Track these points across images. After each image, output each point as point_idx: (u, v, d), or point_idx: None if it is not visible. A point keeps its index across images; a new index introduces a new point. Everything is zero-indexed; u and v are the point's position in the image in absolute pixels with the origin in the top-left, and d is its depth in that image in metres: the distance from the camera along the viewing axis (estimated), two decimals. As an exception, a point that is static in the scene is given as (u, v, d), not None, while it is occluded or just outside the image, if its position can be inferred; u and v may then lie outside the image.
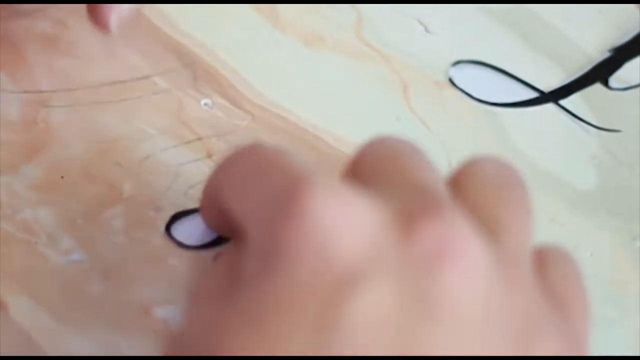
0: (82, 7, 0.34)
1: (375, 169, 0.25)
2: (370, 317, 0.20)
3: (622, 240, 0.35)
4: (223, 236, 0.32)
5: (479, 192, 0.24)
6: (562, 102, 0.38)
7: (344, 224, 0.21)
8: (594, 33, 0.40)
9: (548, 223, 0.35)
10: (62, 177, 0.33)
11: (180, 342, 0.23)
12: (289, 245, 0.21)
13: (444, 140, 0.37)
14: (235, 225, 0.25)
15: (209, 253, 0.32)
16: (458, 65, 0.39)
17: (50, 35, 0.36)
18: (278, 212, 0.22)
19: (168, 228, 0.33)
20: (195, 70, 0.37)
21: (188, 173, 0.34)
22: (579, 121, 0.38)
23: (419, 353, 0.20)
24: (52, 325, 0.30)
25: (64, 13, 0.36)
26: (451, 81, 0.38)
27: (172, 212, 0.33)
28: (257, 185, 0.24)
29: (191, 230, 0.33)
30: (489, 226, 0.23)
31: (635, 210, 0.36)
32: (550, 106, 0.38)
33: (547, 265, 0.24)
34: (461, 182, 0.25)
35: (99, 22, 0.32)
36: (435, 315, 0.20)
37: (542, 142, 0.37)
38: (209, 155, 0.35)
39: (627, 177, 0.37)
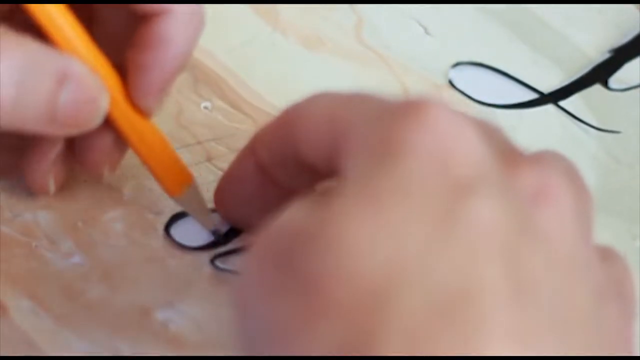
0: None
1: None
2: (486, 219, 0.21)
3: (622, 240, 0.35)
4: (221, 239, 0.33)
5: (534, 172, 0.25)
6: (562, 103, 0.38)
7: (462, 136, 0.22)
8: (594, 34, 0.40)
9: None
10: (62, 180, 0.33)
11: (294, 237, 0.22)
12: (410, 141, 0.22)
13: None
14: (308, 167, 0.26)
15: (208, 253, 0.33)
16: (457, 67, 0.39)
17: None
18: (391, 119, 0.23)
19: (167, 228, 0.33)
20: (195, 74, 0.37)
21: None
22: (578, 122, 0.38)
23: (521, 271, 0.21)
24: (52, 328, 0.30)
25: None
26: (451, 83, 0.38)
27: (171, 215, 0.33)
28: (365, 105, 0.24)
29: (190, 231, 0.33)
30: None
31: (635, 210, 0.36)
32: (549, 107, 0.38)
33: (604, 258, 0.25)
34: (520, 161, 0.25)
35: (37, 188, 0.32)
36: (536, 241, 0.21)
37: (541, 143, 0.37)
38: (209, 159, 0.35)
39: (627, 177, 0.37)
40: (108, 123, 0.30)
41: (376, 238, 0.21)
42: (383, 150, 0.22)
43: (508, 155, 0.23)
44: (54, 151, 0.31)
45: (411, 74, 0.38)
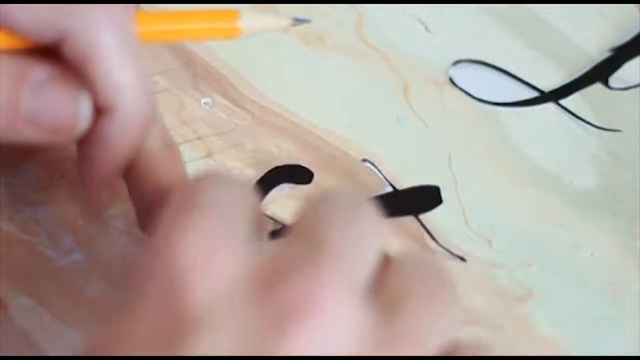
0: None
1: (302, 216, 0.23)
2: None
3: (622, 240, 0.35)
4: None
5: (401, 275, 0.23)
6: (563, 101, 0.38)
7: (200, 271, 0.21)
8: (594, 33, 0.40)
9: (548, 223, 0.35)
10: (62, 176, 0.33)
11: None
12: (144, 283, 0.21)
13: (444, 140, 0.37)
14: None
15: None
16: (458, 65, 0.39)
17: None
18: (147, 251, 0.22)
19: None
20: (196, 70, 0.37)
21: (188, 172, 0.34)
22: (579, 121, 0.38)
23: None
24: (52, 325, 0.30)
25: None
26: (451, 80, 0.38)
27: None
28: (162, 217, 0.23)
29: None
30: (390, 306, 0.22)
31: (636, 210, 0.36)
32: (550, 106, 0.38)
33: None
34: (393, 261, 0.23)
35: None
36: None
37: (542, 142, 0.37)
38: (209, 154, 0.35)
39: (627, 176, 0.37)
40: None
41: None
42: (132, 288, 0.22)
43: (273, 270, 0.21)
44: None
45: (412, 72, 0.38)
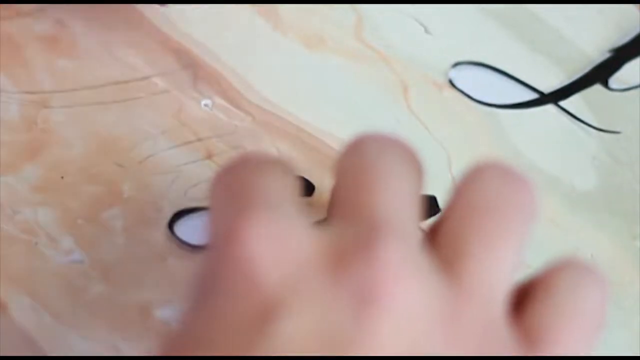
0: (82, 7, 0.34)
1: (341, 187, 0.24)
2: (285, 352, 0.20)
3: (622, 240, 0.35)
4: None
5: (458, 212, 0.23)
6: (562, 103, 0.38)
7: (272, 256, 0.21)
8: (594, 34, 0.40)
9: (548, 224, 0.35)
10: (62, 177, 0.33)
11: None
12: (219, 276, 0.21)
13: (444, 142, 0.37)
14: None
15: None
16: (458, 67, 0.39)
17: (50, 36, 0.36)
18: (216, 244, 0.22)
19: (171, 226, 0.33)
20: (196, 71, 0.37)
21: (188, 173, 0.34)
22: (579, 122, 0.38)
23: None
24: (53, 325, 0.30)
25: (65, 13, 0.36)
26: (451, 82, 0.38)
27: (172, 213, 0.33)
28: (215, 215, 0.24)
29: (193, 229, 0.33)
30: (451, 255, 0.22)
31: (636, 210, 0.36)
32: (550, 107, 0.38)
33: (535, 296, 0.23)
34: (453, 197, 0.23)
35: None
36: (354, 349, 0.20)
37: (542, 143, 0.37)
38: (209, 156, 0.35)
39: (627, 177, 0.37)
40: None
41: None
42: (204, 283, 0.22)
43: (343, 250, 0.21)
44: None
45: (411, 73, 0.38)
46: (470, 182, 0.23)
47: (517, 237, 0.23)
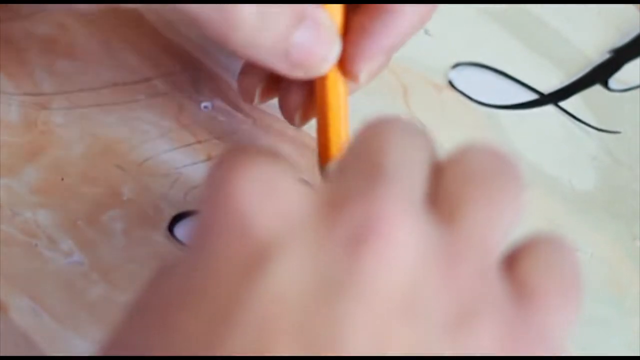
0: (82, 7, 0.34)
1: (352, 150, 0.24)
2: (274, 298, 0.20)
3: (622, 240, 0.35)
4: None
5: (456, 178, 0.23)
6: (562, 103, 0.38)
7: (263, 202, 0.21)
8: (594, 34, 0.40)
9: (548, 224, 0.35)
10: (62, 179, 0.33)
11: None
12: (211, 223, 0.21)
13: (444, 143, 0.36)
14: None
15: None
16: (457, 68, 0.39)
17: (50, 38, 0.36)
18: (206, 196, 0.22)
19: (171, 228, 0.33)
20: (196, 73, 0.37)
21: (188, 175, 0.34)
22: (578, 123, 0.38)
23: (320, 335, 0.19)
24: (52, 327, 0.30)
25: (65, 15, 0.36)
26: (451, 83, 0.38)
27: (171, 215, 0.33)
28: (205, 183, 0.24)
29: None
30: (449, 212, 0.22)
31: (635, 210, 0.36)
32: (550, 108, 0.38)
33: (525, 256, 0.23)
34: (444, 166, 0.24)
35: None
36: (348, 296, 0.20)
37: (542, 144, 0.37)
38: (209, 158, 0.35)
39: (627, 177, 0.37)
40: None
41: (160, 341, 0.20)
42: (196, 231, 0.22)
43: (339, 197, 0.21)
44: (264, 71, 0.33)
45: (411, 74, 0.38)
46: (463, 154, 0.24)
47: (511, 203, 0.23)
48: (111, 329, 0.22)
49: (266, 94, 0.34)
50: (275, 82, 0.33)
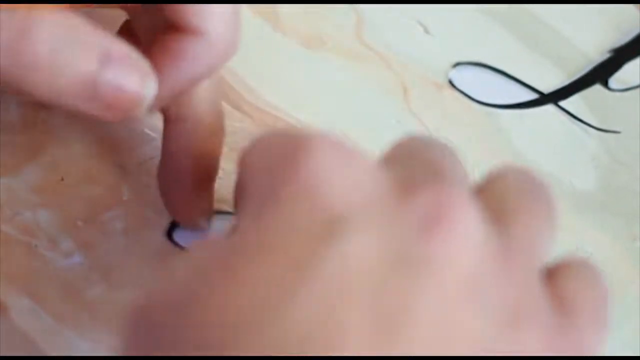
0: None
1: (401, 153, 0.25)
2: (348, 264, 0.20)
3: (622, 240, 0.35)
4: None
5: (499, 191, 0.24)
6: (562, 103, 0.38)
7: (341, 175, 0.21)
8: (594, 34, 0.40)
9: (548, 224, 0.35)
10: (62, 179, 0.33)
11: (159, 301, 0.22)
12: (283, 188, 0.21)
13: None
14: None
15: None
16: (458, 67, 0.39)
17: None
18: (277, 163, 0.22)
19: (170, 233, 0.33)
20: (195, 72, 0.37)
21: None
22: (578, 122, 0.38)
23: (392, 307, 0.20)
24: (53, 327, 0.30)
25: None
26: (451, 83, 0.38)
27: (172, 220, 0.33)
28: (266, 153, 0.24)
29: (193, 235, 0.33)
30: (497, 218, 0.23)
31: (635, 210, 0.36)
32: (550, 107, 0.38)
33: (563, 274, 0.24)
34: (484, 185, 0.25)
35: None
36: (417, 275, 0.20)
37: (542, 144, 0.37)
38: (209, 157, 0.35)
39: (627, 177, 0.37)
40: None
41: (229, 292, 0.20)
42: (265, 197, 0.22)
43: (409, 181, 0.22)
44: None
45: (411, 74, 0.38)
46: (500, 174, 0.25)
47: (549, 220, 0.24)
48: (165, 291, 0.22)
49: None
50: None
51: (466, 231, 0.21)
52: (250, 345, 0.19)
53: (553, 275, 0.24)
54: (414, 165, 0.24)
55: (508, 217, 0.23)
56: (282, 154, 0.22)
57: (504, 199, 0.24)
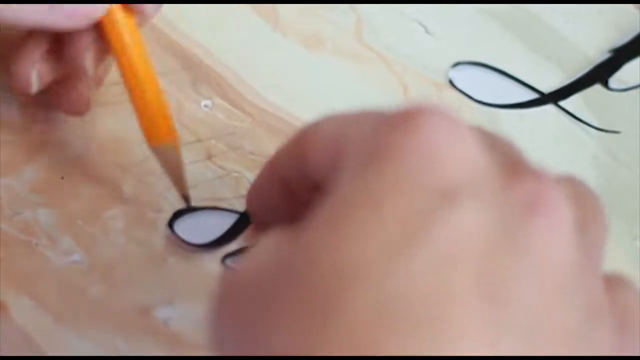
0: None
1: (484, 139, 0.25)
2: (467, 225, 0.20)
3: (623, 240, 0.35)
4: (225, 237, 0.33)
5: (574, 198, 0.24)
6: (562, 103, 0.38)
7: (457, 142, 0.22)
8: (594, 34, 0.40)
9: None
10: (62, 178, 0.33)
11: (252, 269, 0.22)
12: (399, 144, 0.21)
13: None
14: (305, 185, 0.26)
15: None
16: (458, 67, 0.39)
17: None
18: (385, 127, 0.22)
19: (171, 225, 0.33)
20: (195, 72, 0.37)
21: (188, 174, 0.34)
22: (578, 122, 0.38)
23: (497, 283, 0.20)
24: (52, 326, 0.30)
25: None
26: (451, 82, 0.38)
27: (171, 214, 0.33)
28: (366, 119, 0.24)
29: (193, 228, 0.33)
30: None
31: (635, 210, 0.36)
32: (550, 107, 0.38)
33: (622, 286, 0.24)
34: None
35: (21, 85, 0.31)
36: (521, 253, 0.21)
37: (542, 143, 0.37)
38: (209, 157, 0.35)
39: (627, 177, 0.37)
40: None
41: (341, 242, 0.20)
42: (371, 156, 0.22)
43: (510, 166, 0.23)
44: (40, 47, 0.31)
45: (411, 74, 0.38)
46: (567, 179, 0.25)
47: (608, 233, 0.25)
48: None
49: (45, 77, 0.32)
50: (52, 61, 0.32)
51: (565, 223, 0.21)
52: (362, 299, 0.19)
53: (608, 284, 0.24)
54: (509, 153, 0.24)
55: (584, 221, 0.23)
56: (389, 121, 0.22)
57: (581, 203, 0.24)
